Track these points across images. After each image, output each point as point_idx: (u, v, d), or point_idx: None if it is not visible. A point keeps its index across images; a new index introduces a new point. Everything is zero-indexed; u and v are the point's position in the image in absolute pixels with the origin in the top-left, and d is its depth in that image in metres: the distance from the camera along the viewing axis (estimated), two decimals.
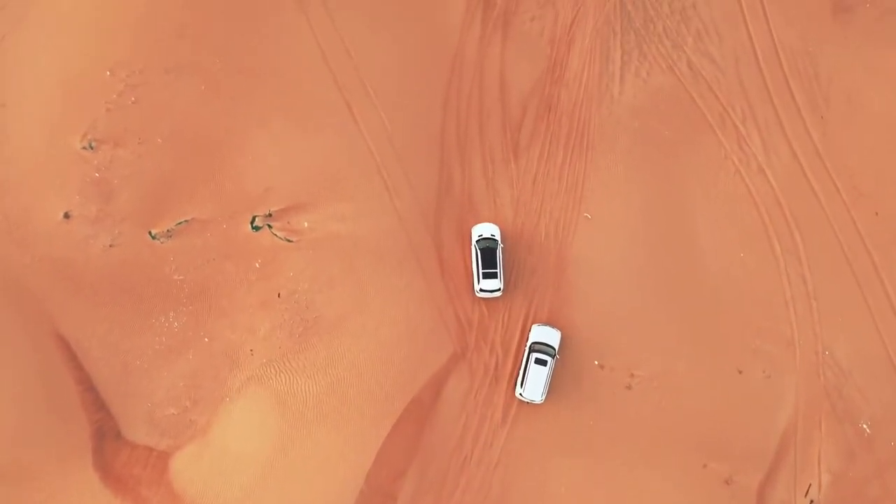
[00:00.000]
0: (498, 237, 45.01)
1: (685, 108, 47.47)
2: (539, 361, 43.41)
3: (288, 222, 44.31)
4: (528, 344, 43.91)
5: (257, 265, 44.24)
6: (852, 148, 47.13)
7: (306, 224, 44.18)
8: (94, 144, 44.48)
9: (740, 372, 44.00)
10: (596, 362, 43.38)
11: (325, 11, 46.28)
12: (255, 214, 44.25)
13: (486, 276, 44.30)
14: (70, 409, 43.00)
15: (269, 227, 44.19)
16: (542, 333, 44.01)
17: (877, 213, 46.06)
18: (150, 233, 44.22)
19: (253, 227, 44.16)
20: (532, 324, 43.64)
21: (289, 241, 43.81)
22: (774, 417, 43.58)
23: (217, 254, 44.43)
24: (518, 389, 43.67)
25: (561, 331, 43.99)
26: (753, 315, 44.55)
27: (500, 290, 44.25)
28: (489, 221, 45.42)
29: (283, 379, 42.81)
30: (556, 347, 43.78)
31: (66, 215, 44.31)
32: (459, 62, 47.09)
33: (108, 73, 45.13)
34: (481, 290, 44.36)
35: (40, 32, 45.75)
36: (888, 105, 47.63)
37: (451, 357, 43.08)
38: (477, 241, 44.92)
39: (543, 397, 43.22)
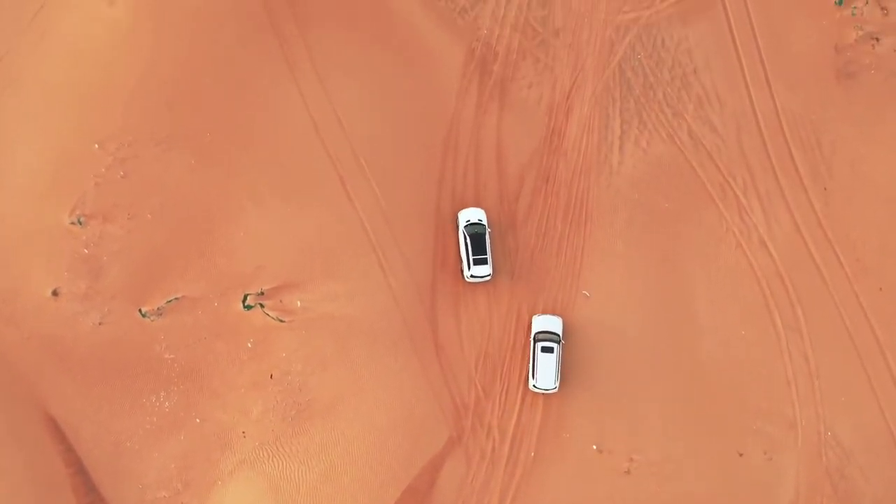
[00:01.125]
0: (485, 222, 45.57)
1: (686, 178, 47.28)
2: (546, 349, 43.98)
3: (280, 301, 44.00)
4: (533, 335, 44.43)
5: (249, 345, 43.93)
6: (855, 219, 46.98)
7: (299, 303, 43.90)
8: (82, 220, 44.21)
9: (741, 454, 43.89)
10: (594, 447, 43.13)
11: (317, 80, 46.02)
12: (247, 293, 43.99)
13: (476, 261, 45.09)
14: (60, 492, 42.76)
15: (262, 306, 43.92)
16: (545, 322, 44.58)
17: (881, 288, 45.87)
18: (140, 310, 43.94)
19: (245, 306, 43.89)
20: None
21: (281, 321, 43.50)
22: (776, 501, 43.32)
23: (208, 332, 44.19)
24: (531, 382, 44.08)
25: (562, 317, 44.49)
26: (754, 395, 44.47)
27: (489, 275, 45.07)
28: (476, 207, 45.71)
29: (276, 463, 42.61)
30: (560, 333, 44.35)
31: (55, 292, 44.04)
32: (455, 132, 46.91)
33: (96, 146, 44.95)
34: (472, 275, 45.21)
35: (28, 104, 45.69)
36: (892, 175, 47.61)
37: (447, 442, 43.06)
38: (465, 227, 45.41)
39: (557, 384, 43.77)
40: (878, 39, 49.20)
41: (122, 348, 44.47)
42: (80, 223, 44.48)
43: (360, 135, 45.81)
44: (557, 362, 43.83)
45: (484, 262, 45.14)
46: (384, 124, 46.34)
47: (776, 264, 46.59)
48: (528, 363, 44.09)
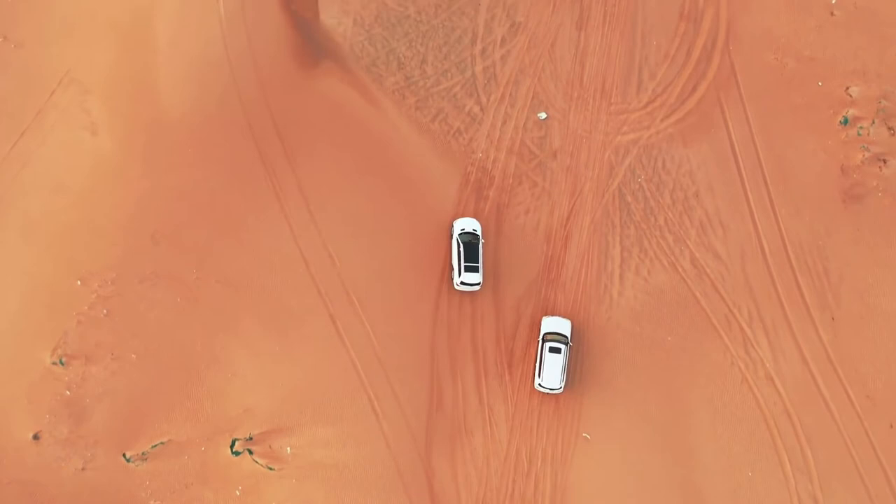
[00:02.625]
0: (479, 232, 46.97)
1: (689, 309, 46.65)
2: (553, 350, 45.12)
3: (269, 447, 43.09)
4: (541, 335, 45.59)
5: (238, 492, 42.98)
6: (865, 352, 46.37)
7: (289, 450, 43.02)
8: (64, 360, 43.47)
9: None
10: None
11: (308, 214, 45.54)
12: (236, 438, 43.17)
13: (467, 269, 46.44)
14: None
15: (250, 452, 43.12)
16: (553, 324, 46.04)
17: (892, 426, 44.92)
18: (124, 455, 43.07)
19: (233, 452, 42.99)
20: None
21: (270, 469, 42.47)
22: None
23: (195, 478, 43.27)
24: (536, 381, 45.25)
25: (571, 320, 45.66)
26: None
27: (479, 284, 46.34)
28: (471, 217, 46.94)
29: None
30: (569, 336, 45.70)
31: (36, 436, 43.20)
32: (450, 266, 45.81)
33: (78, 282, 44.41)
34: (462, 282, 46.56)
35: (6, 237, 45.53)
36: None
37: None
38: (459, 235, 47.07)
39: (562, 385, 44.60)
40: (885, 161, 48.86)
41: (105, 495, 43.56)
42: (62, 364, 43.72)
43: (352, 271, 45.34)
44: (564, 364, 44.89)
45: (475, 269, 46.33)
46: (377, 259, 45.95)
47: (783, 400, 45.84)
48: (534, 363, 45.22)
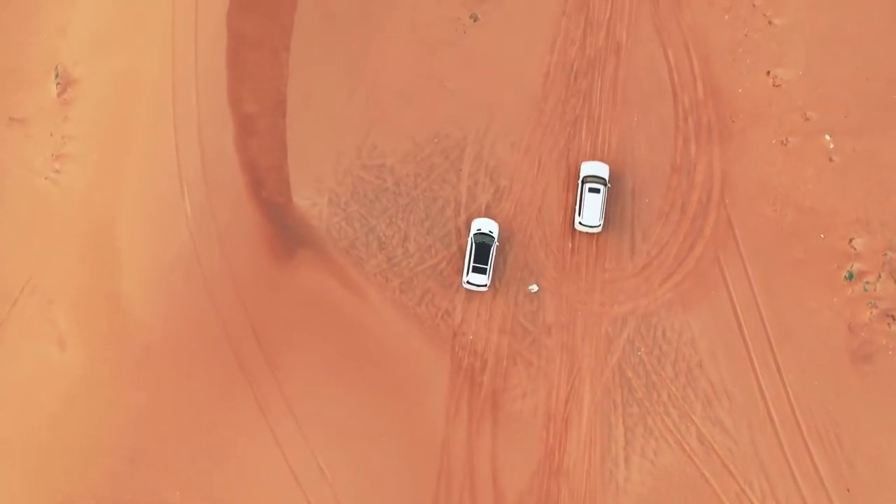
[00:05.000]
0: (495, 235, 48.62)
1: (699, 491, 46.10)
2: (593, 190, 48.62)
3: None
4: (581, 178, 49.04)
5: None
6: None
7: None
8: None
9: None
10: None
11: (294, 423, 45.08)
12: None
13: (475, 269, 48.17)
14: None
15: None
16: (592, 168, 49.35)
17: None
18: None
19: None
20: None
21: None
22: None
23: None
24: (577, 219, 48.49)
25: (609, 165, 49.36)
26: None
27: (486, 285, 48.08)
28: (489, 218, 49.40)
29: None
30: (607, 178, 48.84)
31: None
32: (447, 463, 45.99)
33: None
34: (468, 282, 48.41)
35: None
36: None
37: None
38: (474, 235, 48.68)
39: (601, 222, 48.22)
40: (894, 317, 48.06)
41: None
42: None
43: (345, 482, 44.82)
44: (603, 203, 48.43)
45: (483, 271, 47.99)
46: (370, 467, 45.40)
47: None
48: (575, 204, 48.63)
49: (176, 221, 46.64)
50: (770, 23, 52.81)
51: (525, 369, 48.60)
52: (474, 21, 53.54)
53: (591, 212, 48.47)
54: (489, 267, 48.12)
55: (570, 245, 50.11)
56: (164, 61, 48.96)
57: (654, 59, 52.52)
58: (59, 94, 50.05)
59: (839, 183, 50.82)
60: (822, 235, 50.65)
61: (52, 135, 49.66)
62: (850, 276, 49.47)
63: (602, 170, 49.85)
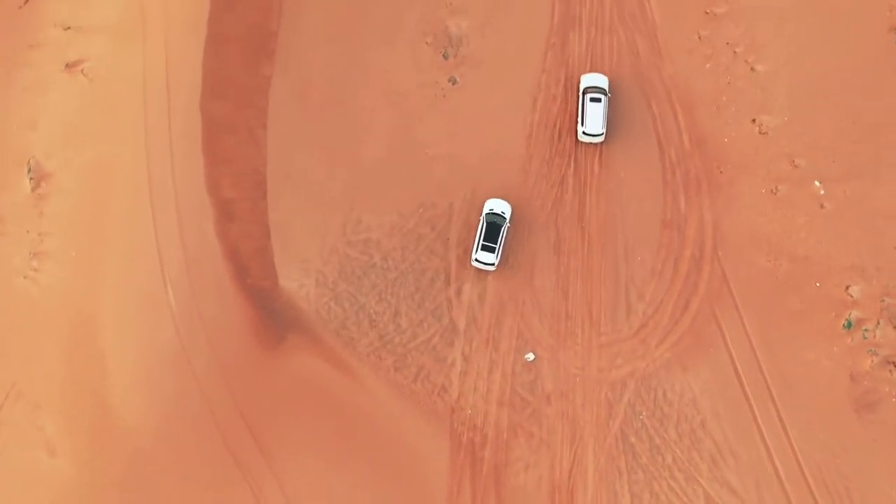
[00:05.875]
0: (507, 216, 49.26)
1: None
2: (594, 100, 50.12)
3: None
4: (581, 89, 50.61)
5: None
6: None
7: None
8: None
9: None
10: None
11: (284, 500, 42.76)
12: None
13: (484, 247, 48.92)
14: None
15: None
16: (592, 79, 50.80)
17: None
18: None
19: None
20: None
21: None
22: None
23: None
24: (580, 129, 50.00)
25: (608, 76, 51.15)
26: None
27: (494, 264, 48.86)
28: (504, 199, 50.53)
29: None
30: (607, 88, 50.60)
31: None
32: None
33: None
34: (476, 259, 49.33)
35: None
36: None
37: None
38: (486, 214, 49.63)
39: (604, 130, 49.63)
40: (895, 364, 47.11)
41: None
42: None
43: None
44: (605, 112, 49.79)
45: (492, 250, 48.67)
46: None
47: None
48: (577, 115, 50.05)
49: (160, 316, 46.07)
50: (752, 69, 52.65)
51: (526, 441, 48.09)
52: (453, 84, 53.05)
53: (594, 120, 49.55)
54: (498, 246, 48.69)
55: (565, 309, 50.45)
56: (138, 150, 48.30)
57: (638, 111, 52.24)
58: (33, 189, 49.37)
59: (832, 229, 50.66)
60: (817, 284, 50.43)
61: (28, 232, 49.04)
62: (849, 325, 49.11)
63: (602, 81, 51.06)
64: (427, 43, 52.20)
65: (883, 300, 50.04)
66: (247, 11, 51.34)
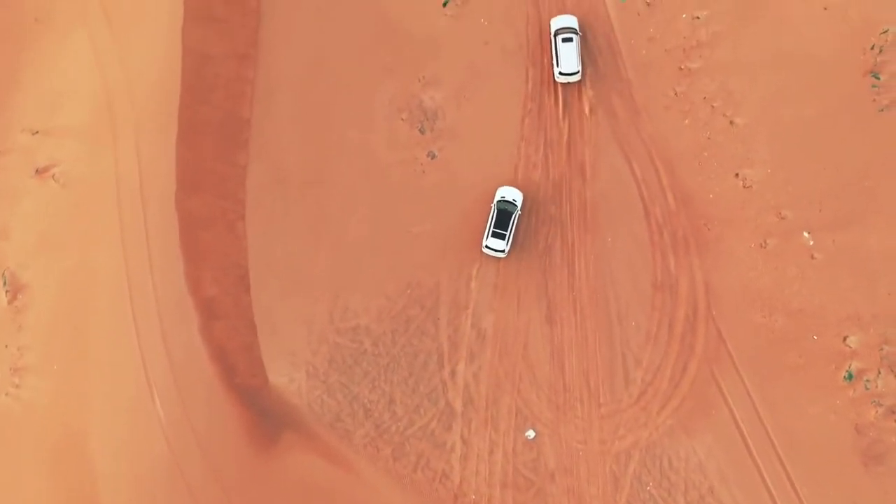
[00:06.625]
0: (518, 204, 50.03)
1: None
2: (566, 39, 51.51)
3: None
4: (552, 32, 51.99)
5: None
6: None
7: None
8: None
9: None
10: None
11: None
12: None
13: (494, 234, 49.75)
14: None
15: None
16: (563, 21, 52.02)
17: None
18: None
19: None
20: None
21: None
22: None
23: None
24: (555, 70, 51.33)
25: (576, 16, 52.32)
26: None
27: (504, 251, 49.61)
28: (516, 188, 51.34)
29: None
30: (577, 28, 52.07)
31: None
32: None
33: None
34: (487, 246, 50.08)
35: None
36: None
37: None
38: (497, 202, 50.48)
39: (580, 68, 50.96)
40: None
41: None
42: None
43: None
44: (578, 50, 51.14)
45: (502, 237, 49.41)
46: None
47: None
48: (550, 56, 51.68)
49: (149, 428, 44.92)
50: (731, 123, 52.29)
51: None
52: (432, 159, 52.54)
53: (568, 60, 50.50)
54: (509, 233, 49.29)
55: (562, 382, 49.70)
56: (115, 255, 47.44)
57: (620, 173, 51.86)
58: (9, 302, 48.29)
59: (824, 280, 50.12)
60: (815, 336, 49.92)
61: (7, 347, 47.88)
62: (850, 376, 48.57)
63: (572, 21, 51.99)
64: (402, 119, 52.17)
65: (882, 348, 49.73)
66: (218, 101, 50.86)
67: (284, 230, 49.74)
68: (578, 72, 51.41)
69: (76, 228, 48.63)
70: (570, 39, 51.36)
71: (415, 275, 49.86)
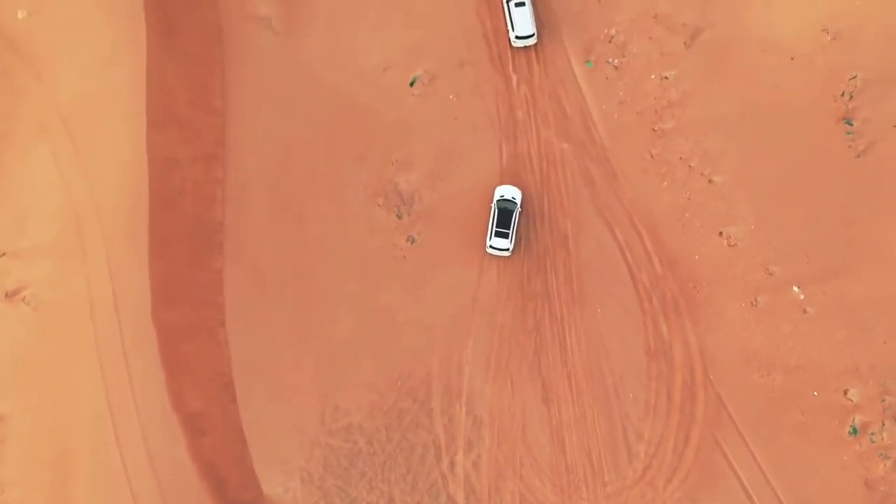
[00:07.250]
0: (518, 201, 50.31)
1: None
2: (519, 4, 52.27)
3: None
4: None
5: None
6: None
7: None
8: None
9: None
10: None
11: None
12: None
13: (497, 234, 49.97)
14: None
15: None
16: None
17: None
18: None
19: None
20: None
21: None
22: None
23: None
24: (511, 34, 52.19)
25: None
26: None
27: (509, 250, 49.85)
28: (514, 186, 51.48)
29: None
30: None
31: None
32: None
33: None
34: (491, 246, 50.39)
35: None
36: None
37: None
38: (497, 201, 50.69)
39: (535, 30, 51.86)
40: None
41: None
42: None
43: None
44: (532, 14, 51.81)
45: (505, 235, 49.64)
46: None
47: None
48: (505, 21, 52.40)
49: None
50: (710, 181, 51.69)
51: None
52: (412, 243, 51.57)
53: (523, 22, 51.23)
54: (511, 231, 49.54)
55: (564, 463, 48.58)
56: (93, 377, 45.79)
57: (604, 242, 51.01)
58: None
59: (819, 333, 49.44)
60: (815, 393, 49.17)
61: None
62: (854, 431, 47.67)
63: None
64: (379, 204, 51.11)
65: (883, 399, 48.92)
66: (188, 205, 49.71)
67: (266, 332, 48.48)
68: (534, 34, 52.31)
69: (51, 353, 46.69)
70: (523, 3, 52.46)
71: (405, 365, 48.57)
